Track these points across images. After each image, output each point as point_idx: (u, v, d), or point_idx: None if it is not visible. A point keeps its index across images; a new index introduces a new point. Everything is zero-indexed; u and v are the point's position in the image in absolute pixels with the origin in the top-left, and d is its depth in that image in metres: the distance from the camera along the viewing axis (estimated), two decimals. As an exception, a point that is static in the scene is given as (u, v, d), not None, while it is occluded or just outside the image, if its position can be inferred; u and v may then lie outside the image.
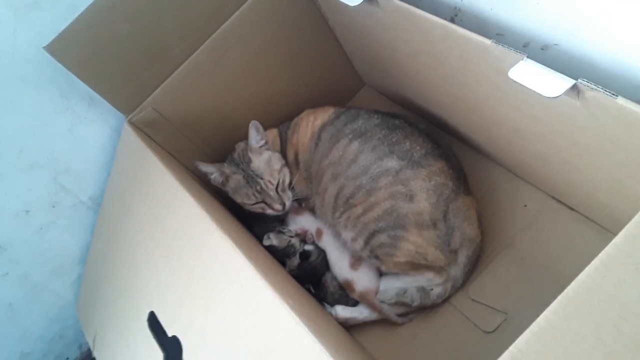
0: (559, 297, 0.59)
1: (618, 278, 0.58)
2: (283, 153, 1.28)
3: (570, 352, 0.56)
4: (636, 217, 0.60)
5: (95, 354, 1.18)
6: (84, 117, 1.19)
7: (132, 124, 1.15)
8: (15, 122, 1.11)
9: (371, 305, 1.14)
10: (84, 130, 1.21)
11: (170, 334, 0.92)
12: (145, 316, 0.98)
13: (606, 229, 1.05)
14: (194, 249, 0.90)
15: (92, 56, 1.05)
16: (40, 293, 1.39)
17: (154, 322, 0.97)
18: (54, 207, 1.26)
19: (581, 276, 0.59)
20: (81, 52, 1.04)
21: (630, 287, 0.57)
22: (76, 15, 0.99)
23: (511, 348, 0.58)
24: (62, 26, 1.00)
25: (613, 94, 0.67)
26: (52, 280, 1.39)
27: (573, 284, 0.59)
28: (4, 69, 1.04)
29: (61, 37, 1.00)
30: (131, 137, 1.13)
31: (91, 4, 1.00)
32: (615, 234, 0.60)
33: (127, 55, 1.09)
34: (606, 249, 0.59)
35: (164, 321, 0.95)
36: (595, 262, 0.59)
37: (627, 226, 0.60)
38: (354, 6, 0.98)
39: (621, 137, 0.74)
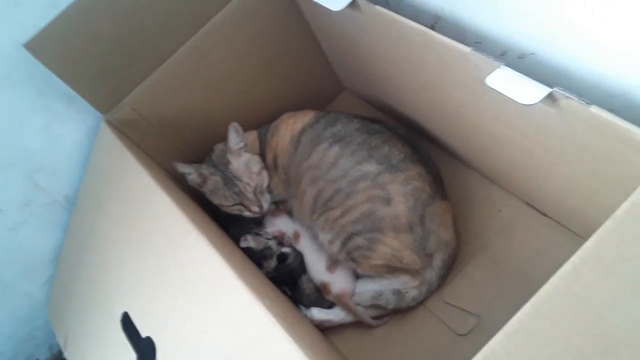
0: (532, 299, 0.60)
1: (589, 281, 0.59)
2: (262, 155, 1.28)
3: (541, 353, 0.58)
4: (607, 222, 0.61)
5: (66, 354, 1.16)
6: (61, 115, 1.17)
7: (109, 123, 1.14)
8: (-10, 119, 1.09)
9: (347, 308, 1.15)
10: (61, 128, 1.19)
11: (144, 335, 0.90)
12: (119, 317, 0.97)
13: (578, 234, 1.07)
14: (169, 249, 0.90)
15: (71, 54, 1.04)
16: (11, 293, 1.37)
17: (127, 323, 0.96)
18: (27, 205, 1.24)
19: (553, 279, 0.60)
20: (60, 50, 1.03)
21: (600, 290, 0.59)
22: (57, 13, 0.98)
23: (484, 349, 0.59)
24: (42, 24, 0.98)
25: (587, 103, 0.68)
26: (23, 280, 1.36)
27: (545, 286, 0.60)
28: (-20, 64, 1.02)
29: (41, 35, 0.99)
30: (108, 136, 1.12)
31: (72, 2, 0.99)
32: (586, 240, 0.61)
33: (106, 54, 1.08)
34: (577, 253, 0.61)
35: (137, 322, 0.93)
36: (567, 266, 0.60)
37: (598, 231, 0.61)
38: (337, 11, 0.99)
39: (594, 145, 0.76)
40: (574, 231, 1.08)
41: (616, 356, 0.56)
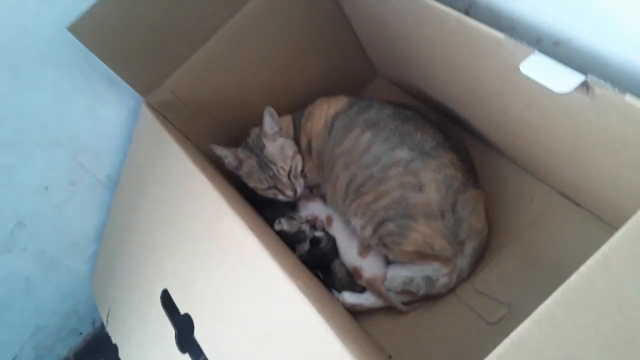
0: (560, 288, 0.60)
1: (618, 271, 0.59)
2: (296, 140, 1.30)
3: (568, 342, 0.58)
4: (638, 212, 0.61)
5: (108, 329, 1.21)
6: (103, 97, 1.20)
7: (149, 105, 1.17)
8: (36, 100, 1.13)
9: (378, 293, 1.16)
10: (103, 110, 1.22)
11: (182, 312, 0.94)
12: (159, 294, 1.00)
13: (611, 225, 1.05)
14: (207, 229, 0.92)
15: (112, 37, 1.07)
16: (56, 268, 1.42)
17: (166, 300, 0.99)
18: (72, 184, 1.29)
19: (582, 268, 0.60)
20: (102, 33, 1.06)
21: (629, 280, 0.58)
22: (97, -3, 1.01)
23: (512, 335, 0.60)
24: (85, 7, 1.01)
25: (622, 91, 0.68)
26: (68, 256, 1.41)
27: (574, 275, 0.60)
28: (27, 47, 1.06)
29: (83, 18, 1.02)
30: (148, 118, 1.15)
31: (114, -13, 1.02)
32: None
33: (146, 38, 1.10)
34: (608, 242, 0.60)
35: (176, 299, 0.97)
36: (596, 255, 0.60)
37: (630, 221, 0.61)
38: (371, -4, 0.99)
39: (628, 135, 0.75)
40: (607, 221, 1.06)
41: (644, 347, 0.56)
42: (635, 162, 0.80)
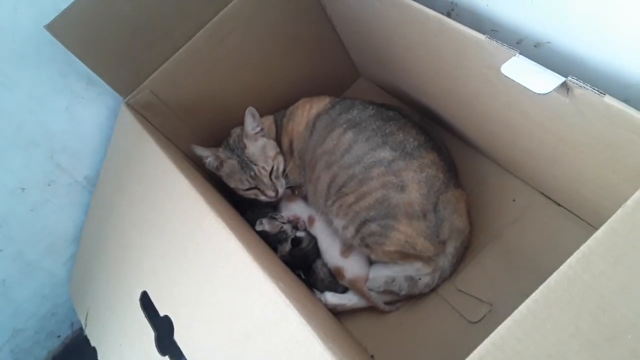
0: (541, 287, 0.60)
1: (598, 270, 0.59)
2: (278, 140, 1.29)
3: (549, 340, 0.58)
4: (618, 212, 0.62)
5: (86, 331, 1.19)
6: (81, 97, 1.19)
7: (129, 105, 1.15)
8: (13, 99, 1.11)
9: (360, 293, 1.16)
10: (82, 110, 1.21)
11: (162, 314, 0.93)
12: (138, 296, 0.99)
13: (591, 224, 1.07)
14: (187, 230, 0.91)
15: (92, 37, 1.06)
16: (34, 270, 1.40)
17: (146, 302, 0.98)
18: (49, 185, 1.27)
19: (562, 267, 0.61)
20: (81, 32, 1.04)
21: (608, 279, 0.59)
22: (77, -5, 1.00)
23: (493, 334, 0.60)
24: (64, 6, 1.00)
25: (601, 92, 0.68)
26: (45, 258, 1.40)
27: (554, 274, 0.61)
28: (4, 46, 1.04)
29: (62, 17, 1.00)
30: (128, 118, 1.14)
31: (93, -15, 1.00)
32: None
33: (126, 37, 1.09)
34: (587, 242, 0.61)
35: (156, 301, 0.96)
36: (576, 254, 0.61)
37: (609, 221, 0.62)
38: (353, -3, 0.99)
39: (607, 135, 0.76)
40: (587, 221, 1.08)
41: (624, 344, 0.56)
42: (614, 162, 0.81)
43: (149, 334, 0.96)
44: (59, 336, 1.62)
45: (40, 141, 1.20)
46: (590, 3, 0.77)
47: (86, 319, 1.20)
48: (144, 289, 0.98)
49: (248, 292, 0.79)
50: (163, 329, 0.93)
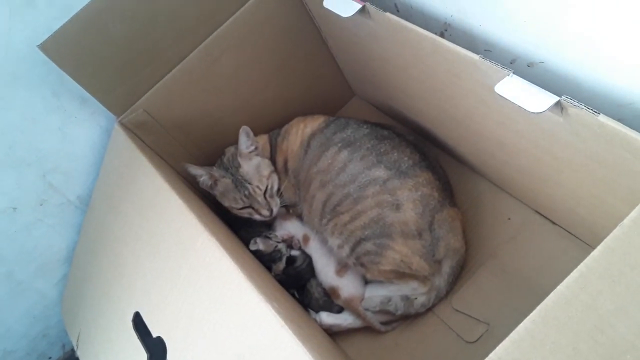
0: (538, 307, 0.60)
1: (595, 290, 0.59)
2: (272, 159, 1.29)
3: (547, 361, 0.58)
4: (614, 231, 0.61)
5: (78, 353, 1.18)
6: (74, 116, 1.19)
7: (122, 125, 1.15)
8: (5, 119, 1.10)
9: (355, 313, 1.15)
10: (75, 129, 1.20)
11: (154, 335, 0.92)
12: (130, 316, 0.98)
13: (587, 243, 1.07)
14: (180, 250, 0.91)
15: (85, 56, 1.06)
16: (25, 291, 1.38)
17: (138, 323, 0.97)
18: (41, 205, 1.26)
19: (560, 287, 0.60)
20: (75, 52, 1.04)
21: (606, 299, 0.59)
22: (71, 15, 1.00)
23: (491, 355, 0.59)
24: (57, 25, 1.00)
25: (595, 112, 0.69)
26: (37, 279, 1.38)
27: (552, 294, 0.60)
28: (-3, 65, 1.04)
29: (55, 36, 1.00)
30: (121, 138, 1.13)
31: (86, 4, 1.00)
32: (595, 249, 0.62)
33: (120, 57, 1.09)
34: (585, 261, 0.61)
35: (148, 322, 0.95)
36: (574, 274, 0.60)
37: (606, 240, 0.61)
38: (346, 17, 1.00)
39: (602, 154, 0.76)
40: (583, 240, 1.07)
41: (622, 364, 0.56)
42: (609, 181, 0.81)
43: (142, 355, 0.95)
44: (50, 358, 1.59)
45: (32, 160, 1.19)
46: (582, 23, 0.77)
47: (78, 340, 1.19)
48: (137, 310, 0.97)
49: (242, 312, 0.78)
50: (156, 350, 0.92)
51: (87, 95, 1.10)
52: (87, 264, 1.21)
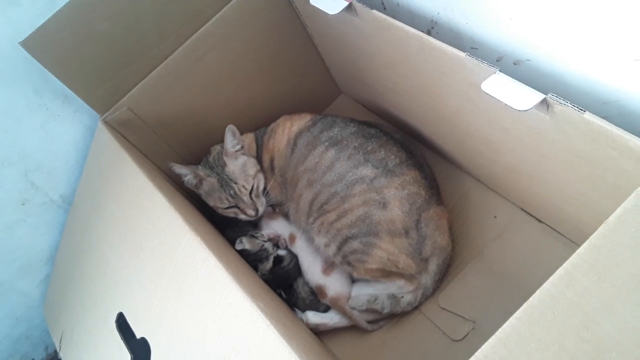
0: (524, 305, 0.60)
1: (581, 287, 0.59)
2: (259, 158, 1.28)
3: (533, 358, 0.58)
4: (600, 229, 0.62)
5: (61, 354, 1.16)
6: (57, 114, 1.17)
7: (106, 123, 1.14)
8: (-15, 117, 1.09)
9: (342, 311, 1.15)
10: (57, 127, 1.19)
11: (138, 336, 0.91)
12: (114, 317, 0.97)
13: (572, 241, 1.07)
14: (165, 250, 0.90)
15: (68, 53, 1.04)
16: (7, 291, 1.37)
17: (122, 323, 0.96)
18: (23, 204, 1.24)
19: (546, 285, 0.60)
20: (57, 49, 1.03)
21: (592, 296, 0.59)
22: (54, 11, 0.98)
23: (477, 353, 0.59)
24: (40, 23, 0.98)
25: (581, 109, 0.69)
26: (19, 279, 1.36)
27: (538, 292, 0.60)
28: (-23, 63, 1.03)
29: (38, 33, 0.99)
30: (105, 136, 1.12)
31: (69, 1, 0.99)
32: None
33: (104, 54, 1.08)
34: (570, 259, 0.61)
35: (132, 322, 0.94)
36: (559, 272, 0.61)
37: (591, 238, 0.61)
38: (333, 15, 0.99)
39: (587, 152, 0.76)
40: (568, 237, 1.08)
41: (609, 362, 0.56)
42: (594, 178, 0.82)
43: (126, 356, 0.94)
44: (33, 359, 1.57)
45: (14, 159, 1.18)
46: (568, 21, 0.78)
47: (60, 342, 1.17)
48: (121, 310, 0.96)
49: (227, 312, 0.78)
50: (140, 351, 0.91)
51: (70, 93, 1.09)
52: (70, 264, 1.20)
